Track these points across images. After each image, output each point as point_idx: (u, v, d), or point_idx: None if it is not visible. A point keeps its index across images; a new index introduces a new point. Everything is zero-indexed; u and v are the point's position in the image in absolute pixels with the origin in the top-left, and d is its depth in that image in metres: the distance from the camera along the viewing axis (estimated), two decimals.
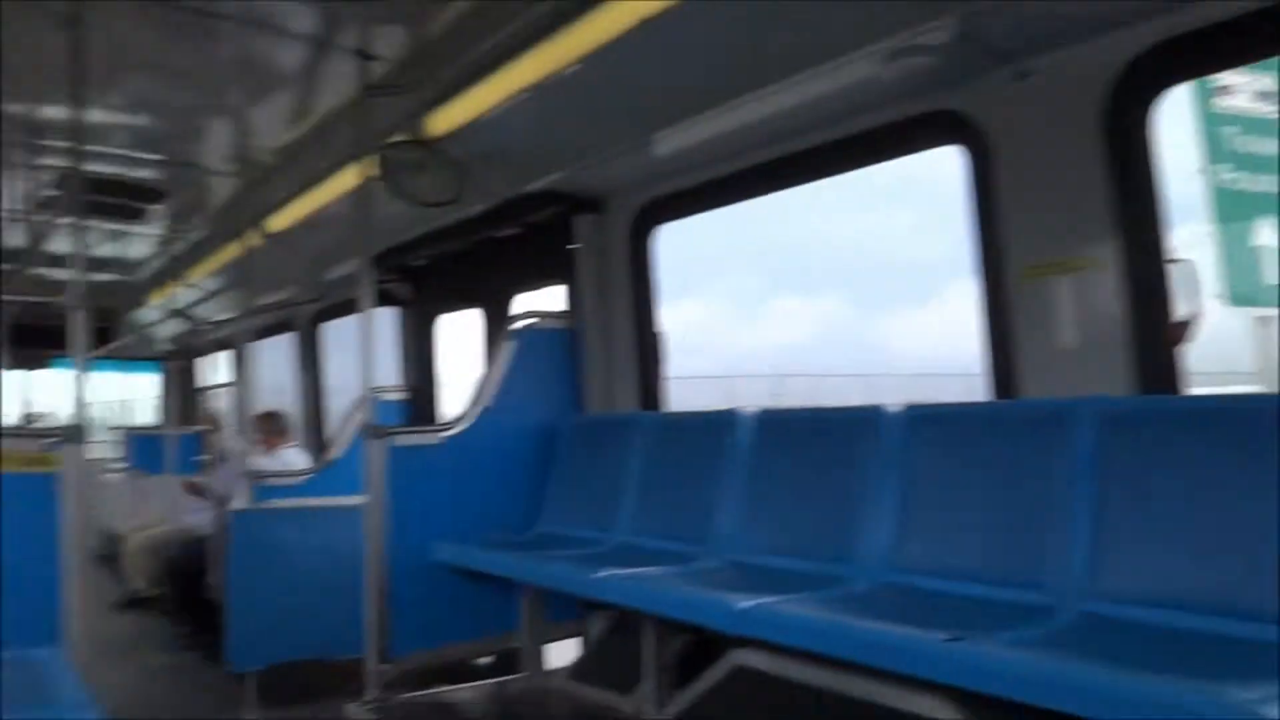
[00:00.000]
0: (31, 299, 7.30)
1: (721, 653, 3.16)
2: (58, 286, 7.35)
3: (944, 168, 3.11)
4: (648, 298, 4.26)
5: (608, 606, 4.12)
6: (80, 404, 3.19)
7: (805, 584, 2.84)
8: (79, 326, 3.25)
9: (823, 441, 3.22)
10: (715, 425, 3.59)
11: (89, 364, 5.53)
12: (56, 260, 6.78)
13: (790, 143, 3.55)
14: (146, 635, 6.52)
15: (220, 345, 7.51)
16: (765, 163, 3.69)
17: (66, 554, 3.13)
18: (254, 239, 5.07)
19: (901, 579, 2.75)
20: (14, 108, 4.14)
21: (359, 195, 3.72)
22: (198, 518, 6.91)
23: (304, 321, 7.54)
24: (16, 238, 6.28)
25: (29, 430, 3.15)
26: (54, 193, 5.20)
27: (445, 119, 3.82)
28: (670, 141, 3.65)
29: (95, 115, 4.30)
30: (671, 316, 4.33)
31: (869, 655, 2.20)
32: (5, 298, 5.32)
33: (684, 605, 2.76)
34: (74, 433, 3.15)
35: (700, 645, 3.65)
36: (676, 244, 4.35)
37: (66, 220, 5.39)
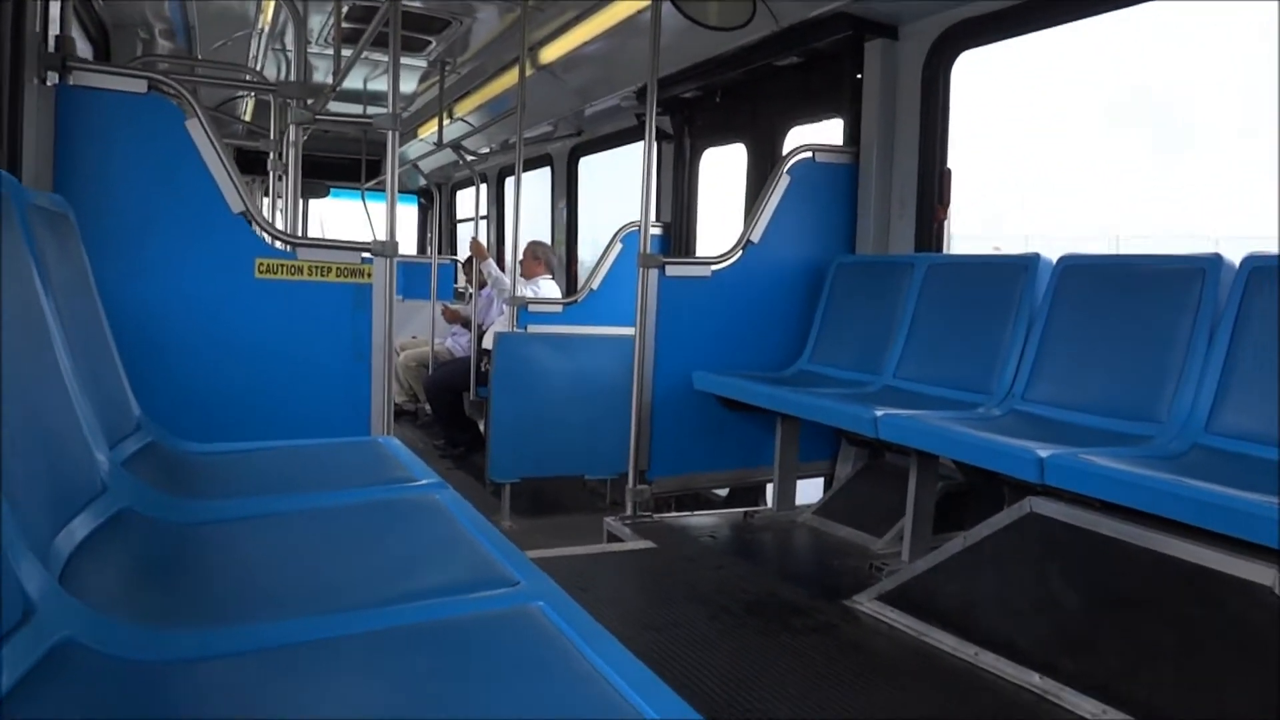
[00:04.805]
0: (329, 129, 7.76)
1: (990, 501, 3.13)
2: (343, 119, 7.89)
3: None
4: (937, 133, 4.01)
5: (865, 447, 4.16)
6: (390, 225, 3.46)
7: (1102, 439, 2.72)
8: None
9: (1136, 293, 2.98)
10: (1008, 271, 3.42)
11: (366, 194, 5.97)
12: (344, 95, 7.18)
13: None
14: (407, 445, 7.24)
15: (480, 179, 7.81)
16: None
17: (376, 357, 3.47)
18: (524, 72, 5.11)
19: (1216, 443, 2.57)
20: None
21: (651, 17, 3.64)
22: (455, 341, 7.50)
23: (561, 156, 7.73)
24: (320, 73, 6.67)
25: (349, 244, 3.43)
26: (351, 25, 5.39)
27: None
28: None
29: None
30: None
31: (1191, 514, 2.08)
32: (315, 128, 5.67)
33: (978, 450, 2.70)
34: (385, 248, 3.43)
35: (965, 492, 3.64)
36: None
37: (370, 54, 5.62)
